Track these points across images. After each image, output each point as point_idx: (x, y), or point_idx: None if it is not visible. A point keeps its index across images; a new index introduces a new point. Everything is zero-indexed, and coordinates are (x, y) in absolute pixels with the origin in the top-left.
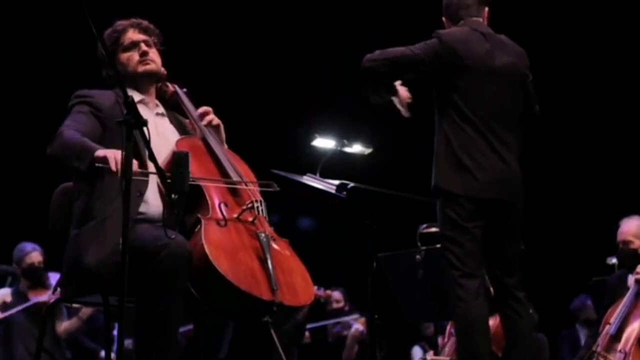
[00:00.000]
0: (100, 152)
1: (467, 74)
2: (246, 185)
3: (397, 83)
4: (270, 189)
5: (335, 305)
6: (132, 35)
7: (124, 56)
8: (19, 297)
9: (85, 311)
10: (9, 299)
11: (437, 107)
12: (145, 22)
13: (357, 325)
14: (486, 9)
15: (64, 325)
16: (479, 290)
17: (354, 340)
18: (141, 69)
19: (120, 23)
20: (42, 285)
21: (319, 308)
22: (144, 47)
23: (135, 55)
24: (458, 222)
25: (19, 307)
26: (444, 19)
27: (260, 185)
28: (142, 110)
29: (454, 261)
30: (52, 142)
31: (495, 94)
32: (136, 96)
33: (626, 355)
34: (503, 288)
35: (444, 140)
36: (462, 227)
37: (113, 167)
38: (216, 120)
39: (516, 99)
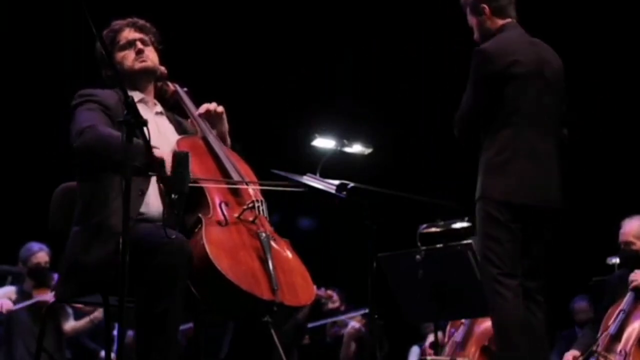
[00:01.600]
0: (159, 154)
1: (514, 80)
2: (264, 185)
3: None
4: (299, 189)
5: (331, 306)
6: (128, 34)
7: (120, 55)
8: (24, 296)
9: (98, 315)
10: (13, 296)
11: (487, 110)
12: (141, 21)
13: (354, 323)
14: None
15: (71, 325)
16: (518, 290)
17: (351, 338)
18: (137, 66)
19: (117, 22)
20: (47, 285)
21: (316, 308)
22: (139, 45)
23: (131, 54)
24: (500, 222)
25: (24, 304)
26: (485, 7)
27: (290, 186)
28: (142, 109)
29: (494, 259)
30: (83, 136)
31: (538, 99)
32: (136, 95)
33: (626, 355)
34: (524, 290)
35: (489, 145)
36: (504, 227)
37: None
38: (220, 108)
39: (557, 104)
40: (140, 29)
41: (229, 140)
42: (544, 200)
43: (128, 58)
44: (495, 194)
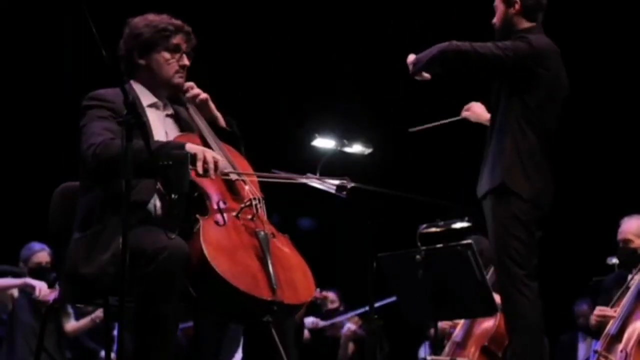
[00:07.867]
0: (192, 148)
1: (544, 85)
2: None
3: None
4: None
5: (330, 306)
6: (180, 41)
7: (165, 56)
8: (25, 294)
9: (99, 314)
10: (16, 293)
11: (506, 106)
12: (190, 29)
13: (350, 324)
14: None
15: (73, 325)
16: (537, 293)
17: (348, 340)
18: (176, 80)
19: (173, 22)
20: (48, 284)
21: (315, 309)
22: (186, 60)
23: (174, 65)
24: (523, 221)
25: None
26: (518, 3)
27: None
28: (153, 114)
29: (520, 260)
30: (97, 156)
31: (554, 111)
32: (149, 99)
33: (627, 355)
34: None
35: (513, 141)
36: (526, 227)
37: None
38: (203, 95)
39: (558, 119)
40: (189, 41)
41: (222, 122)
42: (546, 209)
43: (171, 67)
44: (524, 192)
